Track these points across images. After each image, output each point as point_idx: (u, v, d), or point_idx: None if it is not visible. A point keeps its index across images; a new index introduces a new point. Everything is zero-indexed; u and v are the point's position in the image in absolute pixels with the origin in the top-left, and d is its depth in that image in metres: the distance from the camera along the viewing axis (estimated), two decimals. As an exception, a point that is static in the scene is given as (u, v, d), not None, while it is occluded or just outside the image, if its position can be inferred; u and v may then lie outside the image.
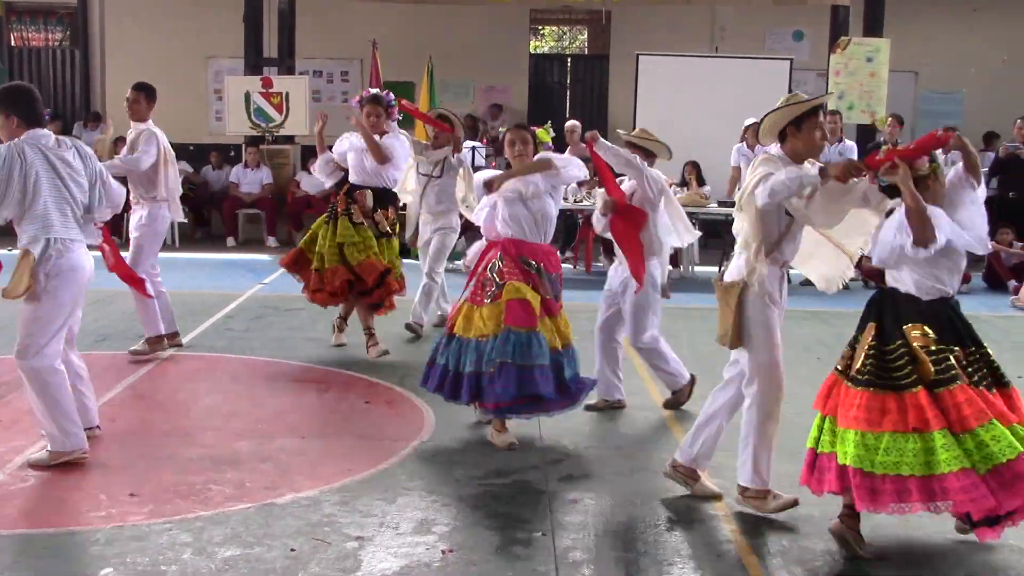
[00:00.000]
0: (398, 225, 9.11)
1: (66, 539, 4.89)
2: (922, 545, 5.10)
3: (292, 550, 4.79)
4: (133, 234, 8.42)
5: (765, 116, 5.48)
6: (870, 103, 14.94)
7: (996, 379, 4.81)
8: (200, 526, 5.02)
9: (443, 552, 4.81)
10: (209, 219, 16.51)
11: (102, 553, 4.70)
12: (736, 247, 5.54)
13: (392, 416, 7.02)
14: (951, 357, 4.71)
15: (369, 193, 8.62)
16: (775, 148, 5.51)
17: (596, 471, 6.00)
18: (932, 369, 4.69)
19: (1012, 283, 12.27)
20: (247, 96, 15.88)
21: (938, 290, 4.85)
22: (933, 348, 4.73)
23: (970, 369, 4.74)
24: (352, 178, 8.72)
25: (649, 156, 7.40)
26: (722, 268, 12.84)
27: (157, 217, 8.43)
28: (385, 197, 8.77)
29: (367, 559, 4.73)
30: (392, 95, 9.05)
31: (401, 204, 9.44)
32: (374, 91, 9.21)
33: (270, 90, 15.94)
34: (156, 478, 5.65)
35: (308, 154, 16.25)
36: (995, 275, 12.93)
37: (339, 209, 8.60)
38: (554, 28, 22.91)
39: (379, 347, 8.63)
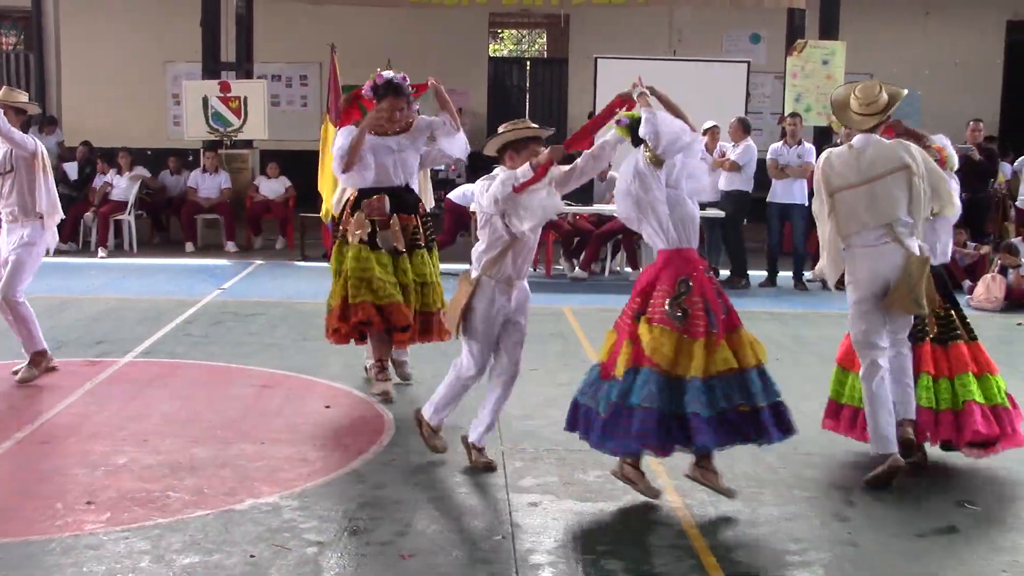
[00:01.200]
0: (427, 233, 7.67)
1: (21, 549, 4.84)
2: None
3: (251, 556, 4.77)
4: (11, 253, 7.65)
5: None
6: (827, 105, 15.00)
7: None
8: (158, 534, 4.99)
9: (403, 557, 4.81)
10: (167, 224, 16.41)
11: (57, 563, 4.67)
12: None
13: (352, 420, 7.01)
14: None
15: (385, 198, 7.43)
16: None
17: (555, 474, 6.02)
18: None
19: (967, 283, 12.39)
20: (205, 101, 15.80)
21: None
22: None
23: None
24: (360, 183, 7.47)
25: None
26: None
27: (40, 238, 7.70)
28: (405, 199, 7.55)
29: (327, 565, 4.72)
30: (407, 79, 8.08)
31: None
32: (388, 74, 8.03)
33: (228, 94, 15.87)
34: (114, 485, 5.62)
35: (267, 158, 16.21)
36: (950, 275, 13.02)
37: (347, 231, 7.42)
38: (513, 31, 22.97)
39: (385, 385, 7.55)
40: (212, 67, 16.06)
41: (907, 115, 16.59)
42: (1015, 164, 14.62)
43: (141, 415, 6.99)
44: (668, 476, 5.96)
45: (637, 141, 5.58)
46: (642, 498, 5.60)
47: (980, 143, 13.91)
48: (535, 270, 13.78)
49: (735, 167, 12.91)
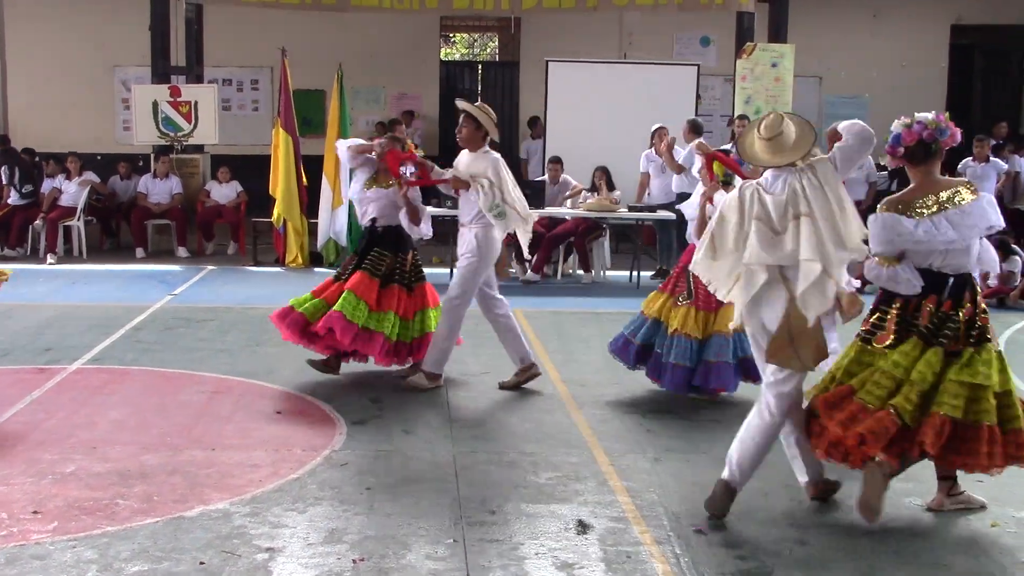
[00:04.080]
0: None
1: (-33, 559, 4.80)
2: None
3: (201, 563, 4.75)
4: None
5: None
6: (776, 107, 15.11)
7: None
8: (106, 542, 4.95)
9: (354, 561, 4.80)
10: (117, 230, 16.26)
11: (2, 574, 4.62)
12: None
13: (304, 426, 6.99)
14: None
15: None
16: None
17: (507, 477, 6.03)
18: None
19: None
20: (155, 105, 15.67)
21: None
22: None
23: None
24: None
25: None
26: (632, 271, 13.00)
27: None
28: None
29: (277, 570, 4.71)
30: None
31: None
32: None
33: (178, 99, 15.75)
34: (61, 494, 5.56)
35: (218, 163, 16.12)
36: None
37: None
38: (465, 35, 22.98)
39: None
40: (162, 71, 15.93)
41: (857, 118, 16.82)
42: (960, 165, 14.81)
43: (90, 423, 6.93)
44: (619, 478, 5.99)
45: None
46: (593, 499, 5.64)
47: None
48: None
49: (679, 169, 12.99)
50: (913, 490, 5.84)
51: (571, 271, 13.93)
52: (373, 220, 8.15)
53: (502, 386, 7.97)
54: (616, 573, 4.78)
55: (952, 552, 5.09)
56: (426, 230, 8.17)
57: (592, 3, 15.60)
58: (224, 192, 15.67)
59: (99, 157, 17.24)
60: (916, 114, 5.58)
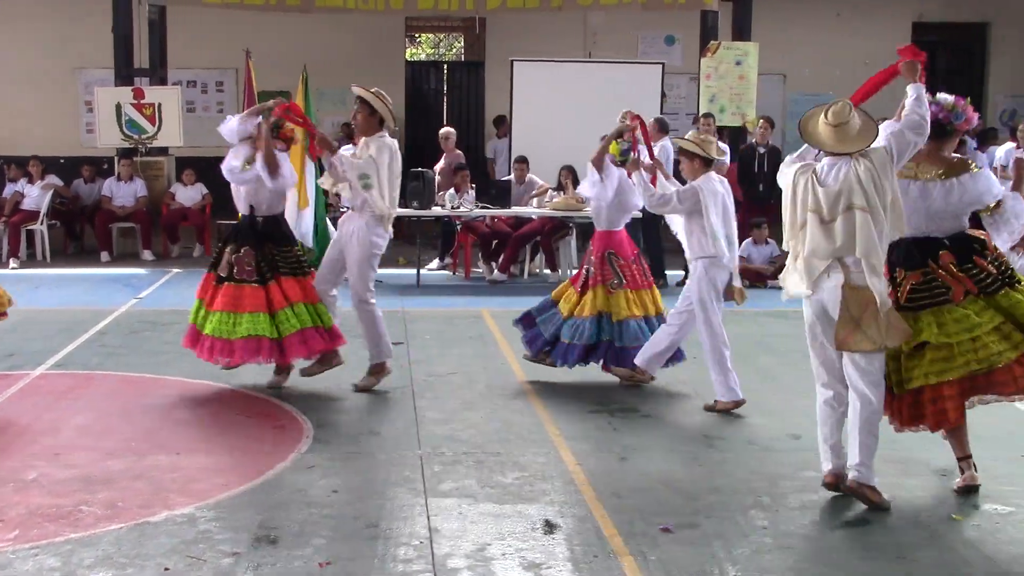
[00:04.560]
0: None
1: (-72, 568, 4.75)
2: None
3: (166, 569, 4.72)
4: None
5: None
6: (740, 105, 15.25)
7: None
8: (69, 549, 4.91)
9: (320, 565, 4.79)
10: (82, 234, 16.12)
11: (-34, 581, 4.58)
12: None
13: (270, 429, 6.96)
14: None
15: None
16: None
17: (474, 477, 6.03)
18: None
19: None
20: (118, 108, 15.55)
21: None
22: None
23: None
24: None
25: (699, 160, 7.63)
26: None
27: None
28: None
29: (243, 575, 4.68)
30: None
31: None
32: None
33: (142, 101, 15.63)
34: (23, 502, 5.52)
35: (183, 165, 16.02)
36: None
37: None
38: (430, 36, 22.95)
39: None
40: (125, 73, 15.80)
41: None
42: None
43: (53, 428, 6.87)
44: (586, 477, 6.00)
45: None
46: (560, 499, 5.65)
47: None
48: (454, 273, 13.82)
49: (651, 169, 12.98)
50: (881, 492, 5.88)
51: (538, 270, 13.94)
52: (251, 208, 7.77)
53: (357, 388, 7.87)
54: (583, 572, 4.79)
55: (916, 545, 5.12)
56: (281, 183, 7.69)
57: (556, 3, 15.61)
58: (189, 194, 15.58)
59: (62, 160, 17.08)
60: (938, 95, 5.81)
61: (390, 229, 7.84)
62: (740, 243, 13.35)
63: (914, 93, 5.61)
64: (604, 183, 7.96)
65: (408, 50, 21.40)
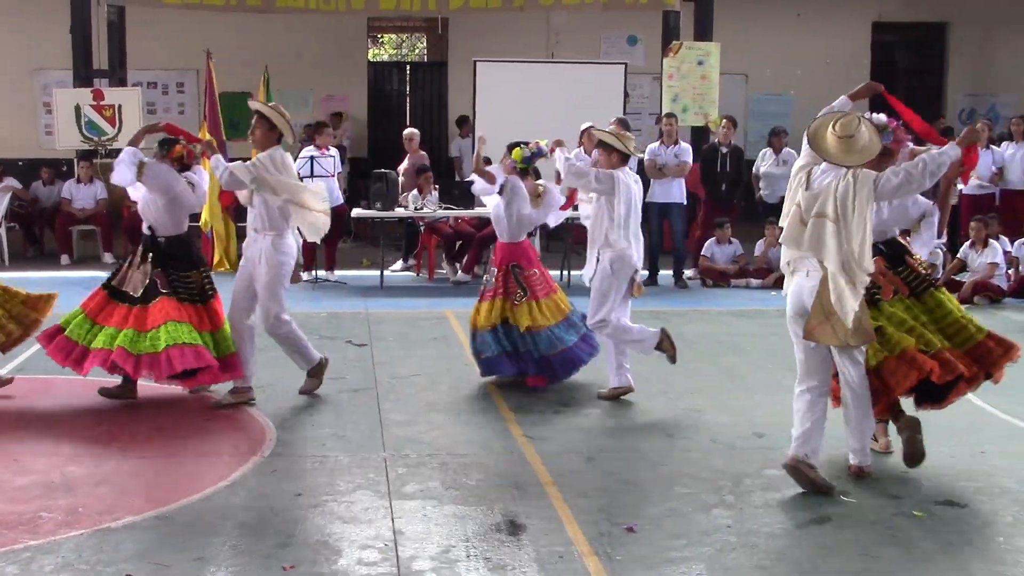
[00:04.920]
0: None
1: None
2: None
3: (128, 575, 4.68)
4: None
5: None
6: (703, 105, 15.31)
7: None
8: (28, 556, 4.86)
9: (284, 568, 4.77)
10: (41, 237, 15.97)
11: (-76, 590, 4.53)
12: None
13: (233, 433, 6.92)
14: None
15: None
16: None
17: (438, 479, 6.02)
18: None
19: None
20: (77, 109, 15.40)
21: None
22: None
23: None
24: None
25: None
26: (563, 270, 13.04)
27: None
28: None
29: (206, 580, 4.66)
30: None
31: None
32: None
33: (102, 103, 15.48)
34: (-17, 508, 5.46)
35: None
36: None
37: None
38: (393, 36, 22.90)
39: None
40: (84, 75, 15.67)
41: (779, 115, 17.06)
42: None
43: (11, 434, 6.79)
44: (552, 478, 6.01)
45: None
46: (525, 500, 5.65)
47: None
48: (417, 275, 13.79)
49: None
50: (843, 490, 5.92)
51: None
52: (152, 229, 7.51)
53: (214, 405, 7.50)
54: (549, 573, 4.79)
55: (879, 542, 5.16)
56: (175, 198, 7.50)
57: (519, 3, 15.62)
58: (150, 197, 15.45)
59: (21, 163, 16.92)
60: (873, 116, 6.03)
61: (295, 242, 7.64)
62: (703, 243, 13.47)
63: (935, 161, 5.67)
64: (507, 197, 8.01)
65: (371, 50, 21.35)
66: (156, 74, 18.91)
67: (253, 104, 7.78)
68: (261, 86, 14.11)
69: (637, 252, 7.69)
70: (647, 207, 13.24)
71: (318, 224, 7.64)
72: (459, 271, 13.38)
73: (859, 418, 5.93)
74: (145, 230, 7.56)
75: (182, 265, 7.48)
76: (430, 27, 21.30)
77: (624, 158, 7.68)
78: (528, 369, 7.97)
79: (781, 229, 5.96)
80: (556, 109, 15.08)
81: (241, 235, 14.07)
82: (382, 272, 13.00)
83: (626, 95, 15.89)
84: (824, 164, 5.79)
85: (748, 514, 5.52)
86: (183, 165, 7.61)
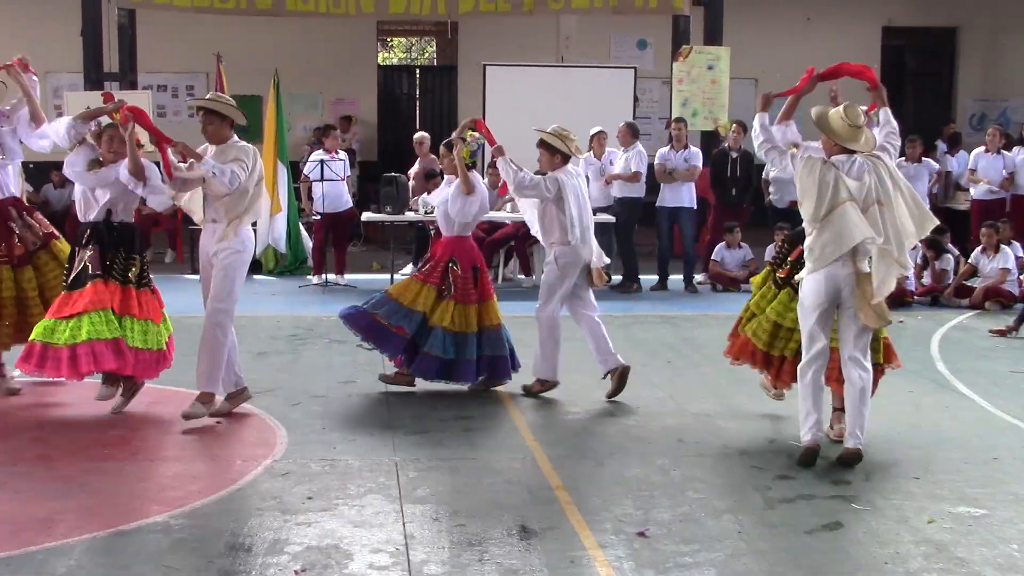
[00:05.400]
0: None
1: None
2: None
3: None
4: None
5: None
6: (713, 110, 15.29)
7: None
8: (42, 559, 4.86)
9: (295, 572, 4.76)
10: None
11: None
12: None
13: (244, 436, 6.92)
14: None
15: None
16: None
17: (449, 483, 6.02)
18: None
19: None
20: (87, 112, 15.43)
21: None
22: None
23: None
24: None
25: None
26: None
27: None
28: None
29: (218, 583, 4.66)
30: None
31: None
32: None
33: (112, 106, 15.51)
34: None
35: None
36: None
37: None
38: (402, 40, 22.91)
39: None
40: (95, 78, 15.70)
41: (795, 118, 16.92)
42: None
43: (27, 436, 6.80)
44: (562, 482, 6.00)
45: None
46: (536, 504, 5.64)
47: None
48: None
49: (636, 177, 13.02)
50: (855, 495, 5.92)
51: (512, 275, 13.94)
52: (108, 212, 7.25)
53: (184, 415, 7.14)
54: (560, 578, 4.79)
55: (893, 550, 5.14)
56: (155, 196, 7.43)
57: (528, 7, 15.63)
58: (161, 200, 15.45)
59: (31, 166, 16.89)
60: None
61: (252, 235, 7.42)
62: (713, 247, 13.45)
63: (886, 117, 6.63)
64: (472, 197, 7.87)
65: (380, 54, 21.37)
66: (166, 77, 18.96)
67: (194, 102, 7.70)
68: (271, 89, 14.13)
69: (591, 246, 7.86)
70: (658, 211, 13.28)
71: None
72: (469, 275, 13.36)
73: (866, 407, 6.29)
74: (94, 216, 7.22)
75: (131, 250, 7.32)
76: (440, 31, 21.32)
77: (566, 158, 7.83)
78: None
79: (784, 231, 6.30)
80: (566, 113, 15.02)
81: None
82: (392, 276, 12.99)
83: (636, 99, 15.90)
84: (838, 156, 6.21)
85: (759, 520, 5.51)
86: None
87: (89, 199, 7.28)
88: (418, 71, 21.80)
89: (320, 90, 19.19)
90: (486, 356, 7.85)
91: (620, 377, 7.81)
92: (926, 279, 12.59)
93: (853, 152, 6.20)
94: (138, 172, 7.06)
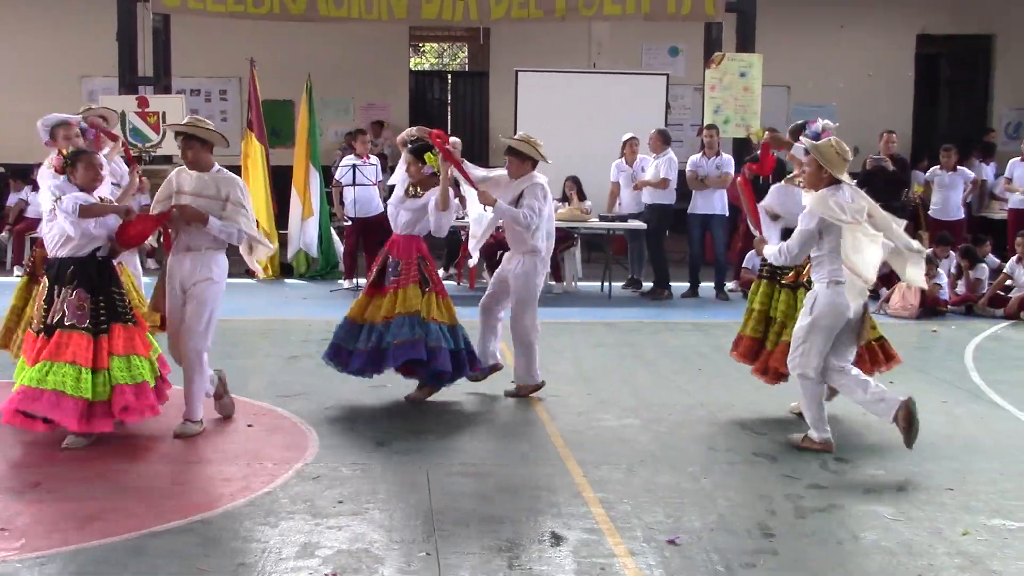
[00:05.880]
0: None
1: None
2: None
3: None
4: None
5: None
6: (745, 117, 15.22)
7: None
8: (76, 558, 4.88)
9: (327, 575, 4.77)
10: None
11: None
12: None
13: (276, 439, 6.94)
14: None
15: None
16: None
17: (480, 489, 6.01)
18: None
19: (883, 291, 12.63)
20: (123, 116, 15.54)
21: None
22: None
23: None
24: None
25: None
26: (603, 282, 13.04)
27: None
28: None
29: (249, 586, 4.68)
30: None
31: None
32: None
33: (146, 110, 15.64)
34: (28, 511, 5.50)
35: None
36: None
37: None
38: (434, 45, 22.97)
39: None
40: (129, 82, 15.83)
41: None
42: (927, 174, 14.93)
43: (55, 437, 6.84)
44: (592, 489, 5.99)
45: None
46: (567, 511, 5.63)
47: (893, 153, 14.20)
48: (459, 284, 13.79)
49: (665, 183, 13.00)
50: (888, 505, 5.87)
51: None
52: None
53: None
54: (590, 585, 4.78)
55: (927, 562, 5.10)
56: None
57: (560, 13, 15.62)
58: (193, 203, 15.56)
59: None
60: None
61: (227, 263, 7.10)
62: (745, 254, 13.39)
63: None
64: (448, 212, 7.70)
65: (412, 60, 21.43)
66: (199, 81, 19.05)
67: (174, 127, 7.28)
68: (304, 94, 14.20)
69: (549, 248, 8.05)
70: (690, 218, 13.24)
71: (261, 254, 7.52)
72: (499, 280, 13.37)
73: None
74: (64, 253, 6.63)
75: (118, 283, 6.82)
76: (471, 36, 21.36)
77: (535, 164, 7.87)
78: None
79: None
80: (597, 119, 15.11)
81: (284, 242, 14.21)
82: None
83: (667, 106, 15.86)
84: (848, 191, 6.56)
85: (791, 529, 5.48)
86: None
87: (58, 235, 6.66)
88: (450, 76, 21.83)
89: (352, 95, 19.24)
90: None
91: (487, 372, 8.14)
92: (960, 288, 12.49)
93: (840, 182, 6.54)
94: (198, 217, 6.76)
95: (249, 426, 7.20)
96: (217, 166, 7.01)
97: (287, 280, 13.89)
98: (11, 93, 18.24)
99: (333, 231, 14.42)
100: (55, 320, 6.54)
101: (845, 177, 6.56)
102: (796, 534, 5.41)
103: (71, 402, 6.37)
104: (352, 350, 7.64)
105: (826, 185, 6.54)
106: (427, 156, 7.73)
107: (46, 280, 6.73)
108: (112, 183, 7.42)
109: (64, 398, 6.36)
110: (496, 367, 8.21)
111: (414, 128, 7.94)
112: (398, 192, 7.90)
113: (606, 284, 13.26)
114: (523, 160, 7.83)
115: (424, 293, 7.64)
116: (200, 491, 5.88)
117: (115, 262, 6.90)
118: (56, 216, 6.56)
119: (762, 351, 7.75)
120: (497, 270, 8.37)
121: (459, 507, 5.70)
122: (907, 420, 6.42)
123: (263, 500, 5.74)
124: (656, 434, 7.20)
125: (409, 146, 7.87)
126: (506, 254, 8.26)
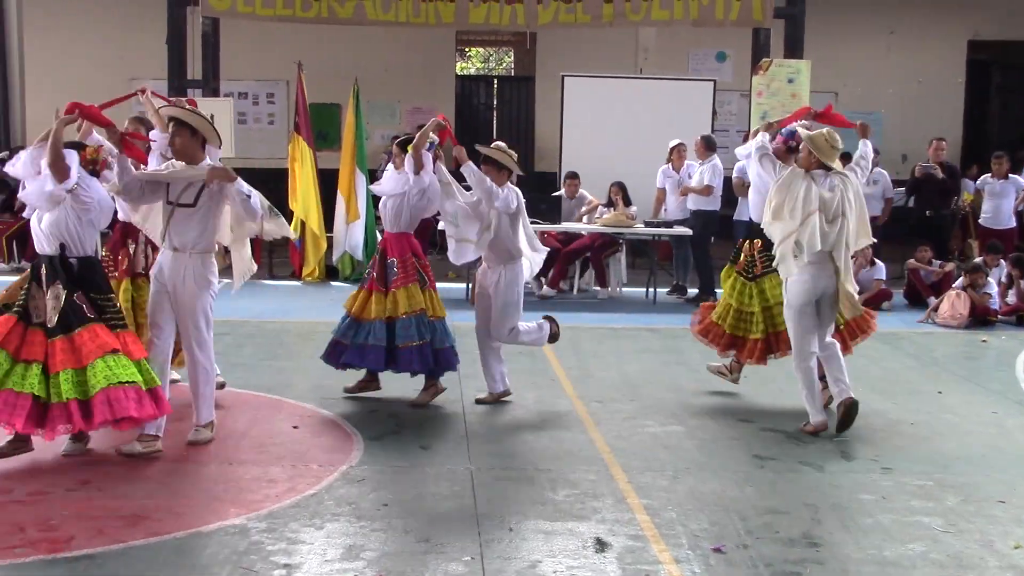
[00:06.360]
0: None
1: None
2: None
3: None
4: None
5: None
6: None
7: None
8: (125, 556, 4.93)
9: (372, 578, 4.79)
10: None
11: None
12: None
13: (321, 441, 6.97)
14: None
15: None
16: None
17: (525, 494, 6.01)
18: None
19: (931, 300, 12.50)
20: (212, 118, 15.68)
21: None
22: None
23: None
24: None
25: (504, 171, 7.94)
26: (648, 287, 13.01)
27: None
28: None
29: (295, 587, 4.69)
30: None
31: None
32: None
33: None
34: (77, 508, 5.56)
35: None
36: (915, 292, 13.18)
37: None
38: (480, 50, 23.01)
39: None
40: (178, 84, 15.95)
41: (874, 133, 16.81)
42: (977, 182, 14.76)
43: (107, 437, 6.91)
44: (637, 496, 5.97)
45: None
46: (612, 517, 5.61)
47: (943, 161, 14.04)
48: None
49: (708, 191, 12.96)
50: (938, 517, 5.81)
51: (587, 286, 13.90)
52: (62, 247, 6.24)
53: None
54: (635, 592, 4.76)
55: (976, 567, 5.04)
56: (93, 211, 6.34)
57: (608, 18, 15.59)
58: (240, 205, 15.66)
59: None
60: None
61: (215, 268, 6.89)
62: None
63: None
64: (420, 177, 7.78)
65: (458, 64, 21.48)
66: (247, 85, 19.21)
67: (168, 111, 7.08)
68: (351, 98, 14.26)
69: (532, 257, 8.14)
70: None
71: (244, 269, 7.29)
72: (544, 285, 13.38)
73: (841, 361, 7.39)
74: (49, 249, 6.24)
75: (102, 288, 6.41)
76: (518, 41, 21.38)
77: (509, 174, 7.93)
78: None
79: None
80: (644, 125, 15.07)
81: (330, 244, 14.29)
82: (468, 285, 13.03)
83: (714, 112, 15.79)
84: (817, 170, 7.13)
85: (839, 539, 5.43)
86: (93, 172, 6.48)
87: (39, 234, 6.32)
88: (495, 81, 21.87)
89: (398, 99, 19.32)
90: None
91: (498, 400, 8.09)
92: (1011, 298, 12.33)
93: (829, 168, 7.13)
94: (56, 164, 6.14)
95: (295, 428, 7.24)
96: (207, 160, 6.77)
97: (332, 283, 13.94)
98: (61, 96, 18.39)
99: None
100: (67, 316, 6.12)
101: (837, 165, 7.18)
102: (844, 545, 5.36)
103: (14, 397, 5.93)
104: (348, 344, 7.77)
105: (815, 168, 7.15)
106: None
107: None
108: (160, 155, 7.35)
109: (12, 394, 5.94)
110: (506, 393, 8.09)
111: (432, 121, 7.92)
112: (385, 185, 8.04)
113: (651, 290, 13.21)
114: (500, 170, 7.86)
115: (424, 291, 7.81)
116: (246, 492, 5.91)
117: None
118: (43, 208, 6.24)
119: (745, 342, 8.18)
120: (476, 290, 8.34)
121: (503, 511, 5.70)
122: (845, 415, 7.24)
123: (308, 502, 5.77)
124: (701, 441, 7.17)
125: (397, 140, 8.17)
126: (481, 268, 8.21)
